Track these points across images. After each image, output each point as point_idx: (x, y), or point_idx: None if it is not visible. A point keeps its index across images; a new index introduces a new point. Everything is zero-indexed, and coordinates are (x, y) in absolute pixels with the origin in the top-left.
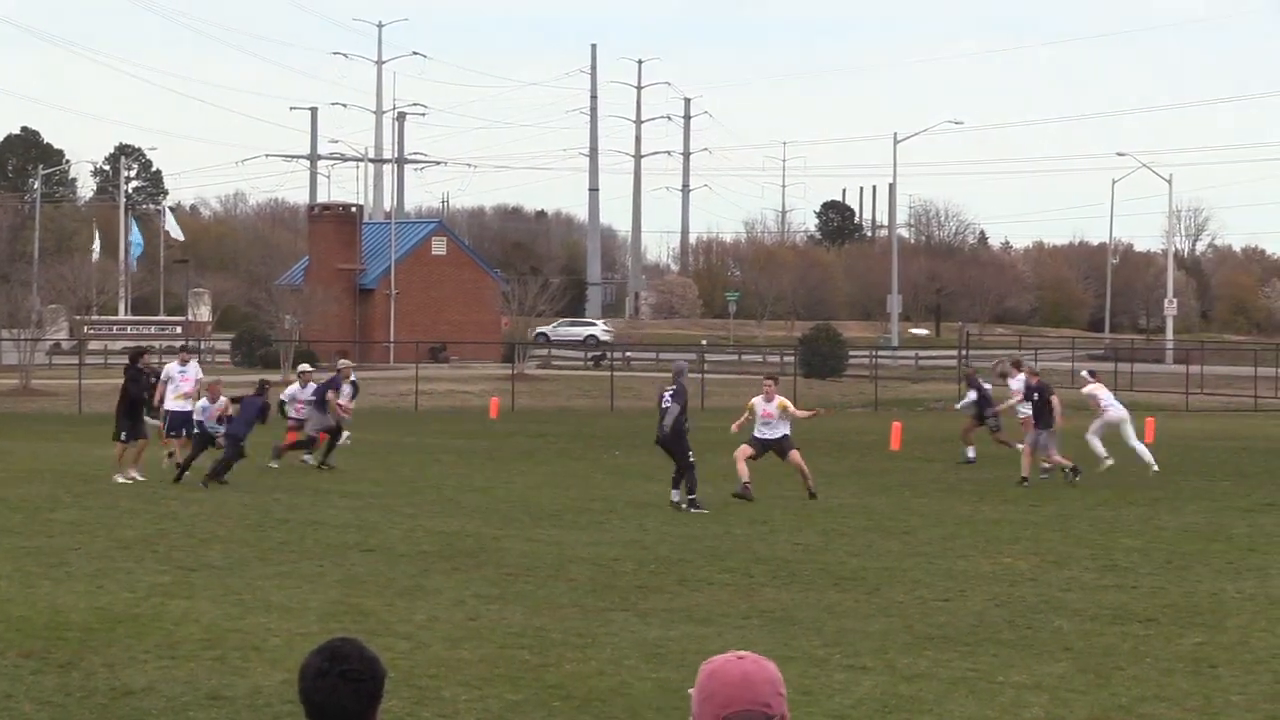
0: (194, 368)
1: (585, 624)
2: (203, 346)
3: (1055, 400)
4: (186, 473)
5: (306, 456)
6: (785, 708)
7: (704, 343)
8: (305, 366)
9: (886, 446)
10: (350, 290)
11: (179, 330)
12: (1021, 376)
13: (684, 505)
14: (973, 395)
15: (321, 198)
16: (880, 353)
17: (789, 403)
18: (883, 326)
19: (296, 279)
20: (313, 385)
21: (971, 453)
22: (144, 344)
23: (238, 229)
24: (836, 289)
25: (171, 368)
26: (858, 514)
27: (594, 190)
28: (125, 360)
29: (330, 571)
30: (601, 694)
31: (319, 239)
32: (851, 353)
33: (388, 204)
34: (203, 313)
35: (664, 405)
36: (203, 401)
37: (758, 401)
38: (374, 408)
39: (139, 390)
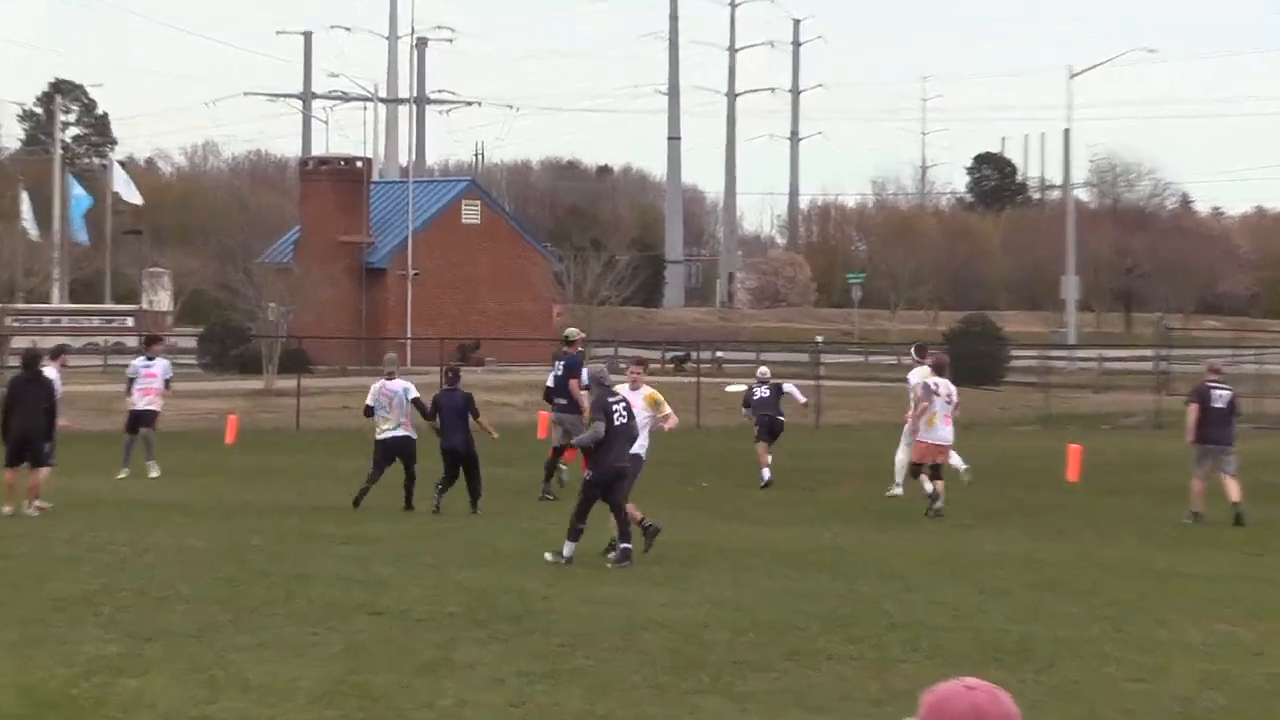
0: (163, 364)
1: (664, 710)
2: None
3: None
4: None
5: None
6: None
7: (819, 340)
8: (156, 334)
9: (1061, 476)
10: (354, 270)
11: (130, 323)
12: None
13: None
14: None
15: (317, 149)
16: (1052, 353)
17: (660, 396)
18: (1055, 318)
19: (284, 255)
20: (164, 362)
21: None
22: (66, 341)
23: (207, 190)
24: (994, 268)
25: (135, 364)
26: (1022, 566)
27: (674, 139)
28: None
29: (327, 640)
30: None
31: (314, 203)
32: (1014, 353)
33: (404, 157)
34: (161, 299)
35: (618, 420)
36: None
37: (621, 391)
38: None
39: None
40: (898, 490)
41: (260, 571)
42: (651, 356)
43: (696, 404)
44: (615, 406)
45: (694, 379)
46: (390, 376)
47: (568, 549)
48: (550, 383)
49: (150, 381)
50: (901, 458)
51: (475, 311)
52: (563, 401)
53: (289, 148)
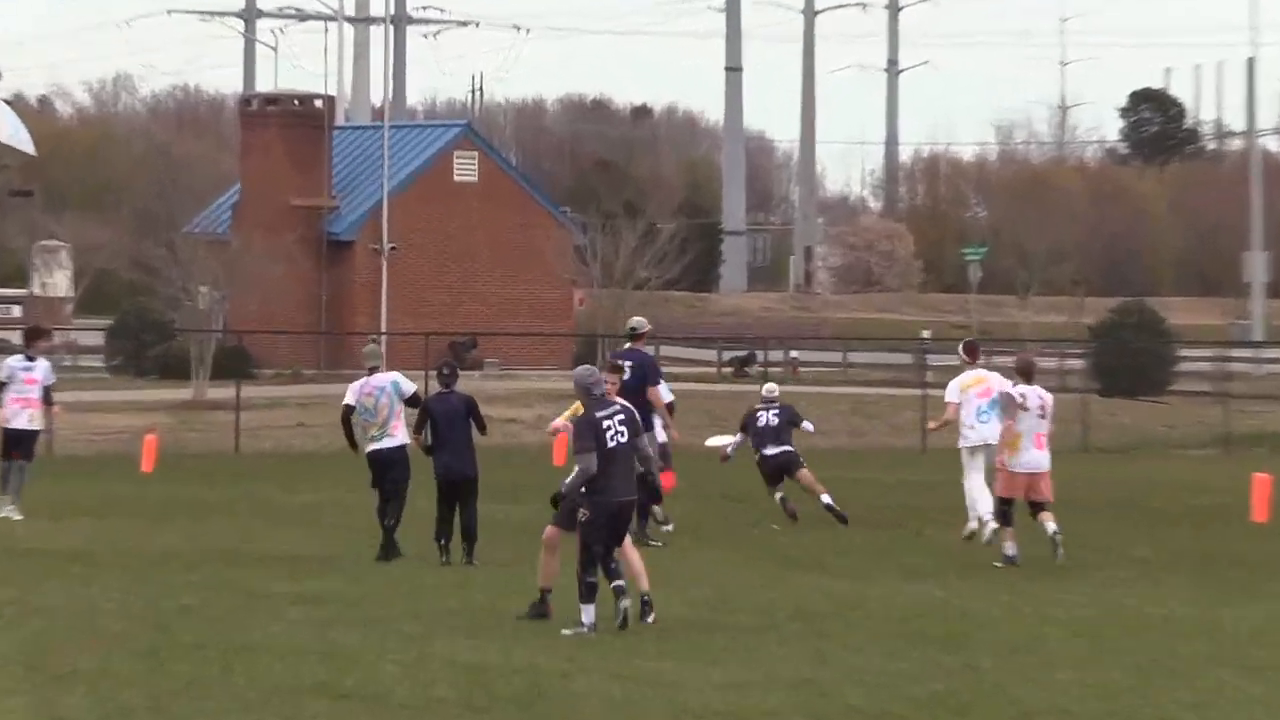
0: (44, 366)
1: None
2: (57, 340)
3: None
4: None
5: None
6: None
7: (925, 335)
8: (41, 326)
9: (1245, 513)
10: (312, 244)
11: (16, 312)
12: None
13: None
14: None
15: (264, 84)
16: (1233, 353)
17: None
18: (1236, 306)
19: (219, 224)
20: (45, 364)
21: None
22: None
23: (120, 138)
24: (1157, 240)
25: (11, 363)
26: (1197, 633)
27: (734, 70)
28: None
29: None
30: None
31: (259, 155)
32: (1183, 353)
33: (377, 95)
34: (58, 282)
35: (614, 441)
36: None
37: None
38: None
39: None
40: (974, 525)
41: (189, 642)
42: (705, 359)
43: None
44: (608, 423)
45: (757, 386)
46: (373, 371)
47: (587, 615)
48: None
49: (30, 390)
50: (976, 486)
51: (471, 298)
52: None
53: (226, 82)
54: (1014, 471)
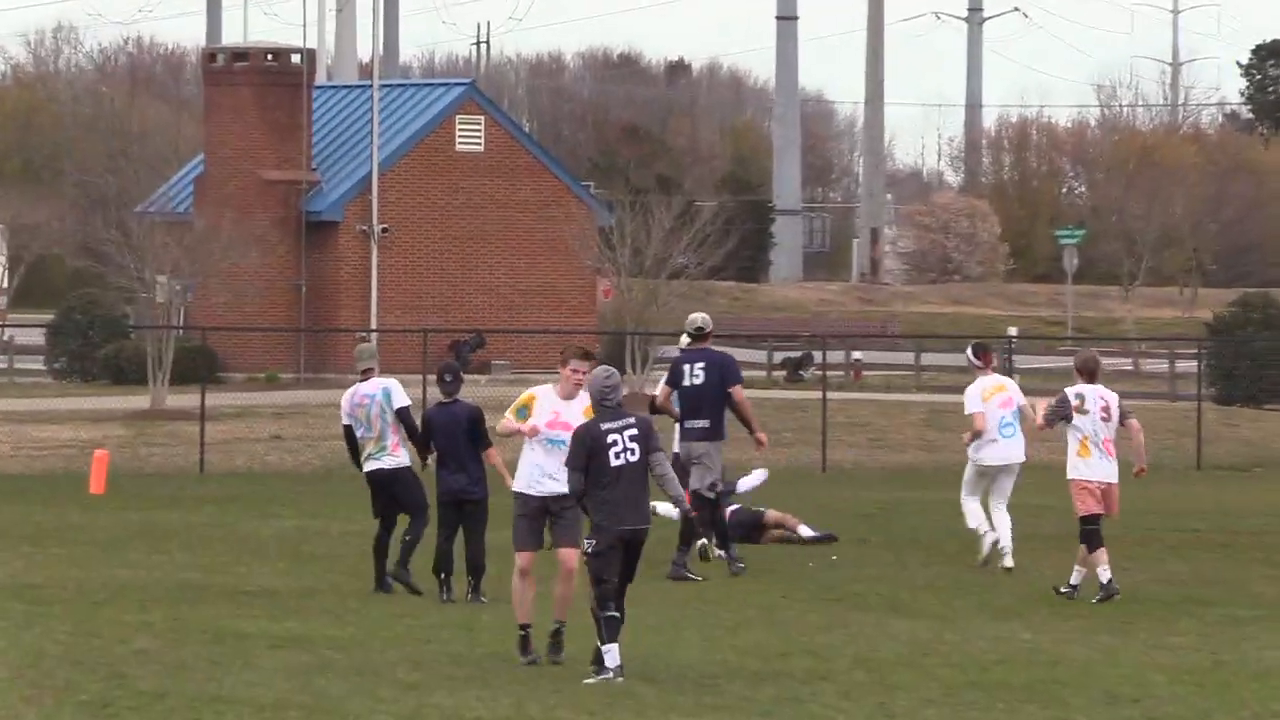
0: None
1: None
2: None
3: None
4: None
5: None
6: None
7: (1012, 332)
8: None
9: None
10: (289, 225)
11: None
12: None
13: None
14: None
15: (231, 37)
16: None
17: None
18: None
19: (180, 203)
20: None
21: None
22: None
23: (61, 100)
24: None
25: None
26: None
27: (787, 20)
28: None
29: None
30: None
31: (227, 120)
32: None
33: (364, 49)
34: None
35: (620, 459)
36: None
37: (554, 404)
38: (332, 465)
39: None
40: (991, 542)
41: (148, 692)
42: (754, 361)
43: (823, 433)
44: (615, 438)
45: (818, 393)
46: (366, 375)
47: (610, 657)
48: (663, 390)
49: None
50: (975, 509)
51: (476, 288)
52: (701, 424)
53: (187, 34)
54: (1085, 482)
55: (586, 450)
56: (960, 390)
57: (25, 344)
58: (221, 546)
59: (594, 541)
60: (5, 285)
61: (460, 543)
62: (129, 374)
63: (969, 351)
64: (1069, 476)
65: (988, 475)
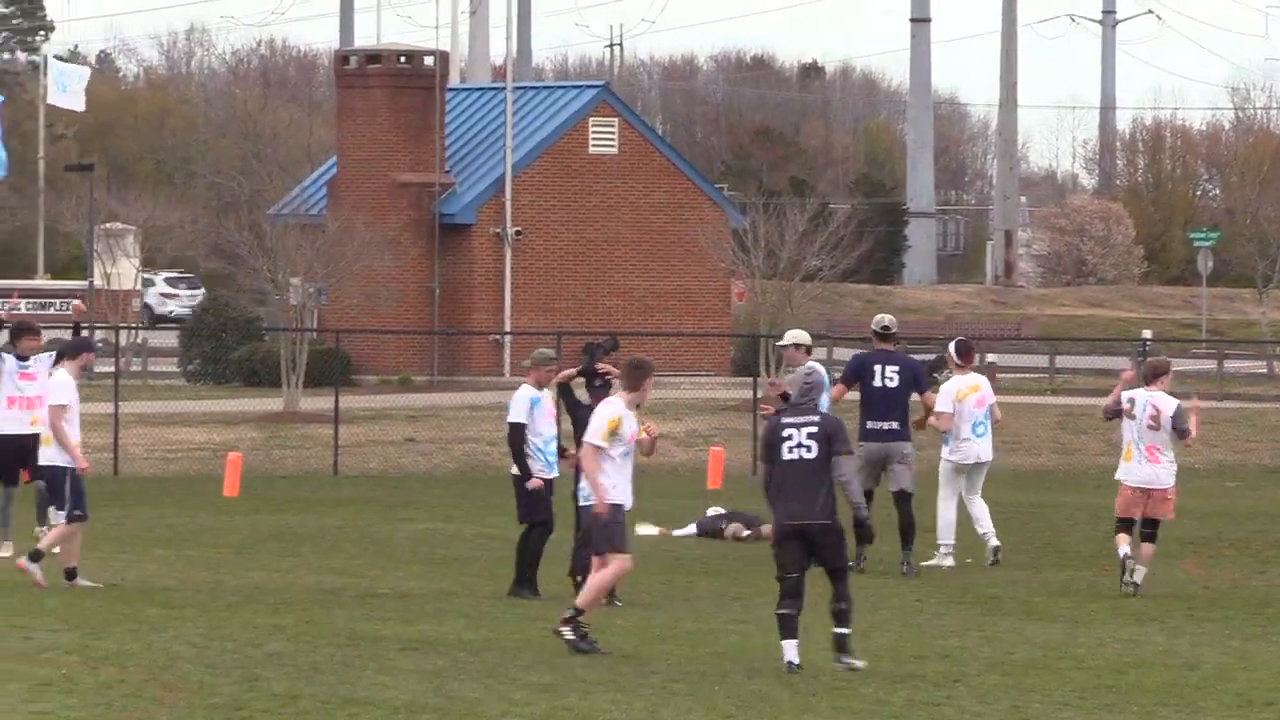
0: (43, 363)
1: None
2: (127, 340)
3: None
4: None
5: None
6: None
7: (1147, 335)
8: (22, 324)
9: None
10: (422, 228)
11: (77, 307)
12: None
13: (840, 663)
14: None
15: (365, 39)
16: None
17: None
18: None
19: (313, 205)
20: (45, 358)
21: None
22: None
23: (194, 103)
24: None
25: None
26: None
27: (921, 21)
28: None
29: None
30: None
31: (359, 123)
32: None
33: (498, 52)
34: (124, 271)
35: (794, 454)
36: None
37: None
38: (466, 468)
39: None
40: (945, 560)
41: (280, 694)
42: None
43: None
44: (790, 432)
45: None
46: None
47: (789, 651)
48: (838, 388)
49: (29, 388)
50: (948, 515)
51: (609, 291)
52: (893, 425)
53: (320, 37)
54: (1129, 486)
55: (767, 443)
56: (1096, 394)
57: (159, 346)
58: (354, 549)
59: (772, 532)
60: (139, 287)
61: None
62: (262, 376)
63: (951, 348)
64: (1119, 477)
65: (962, 472)
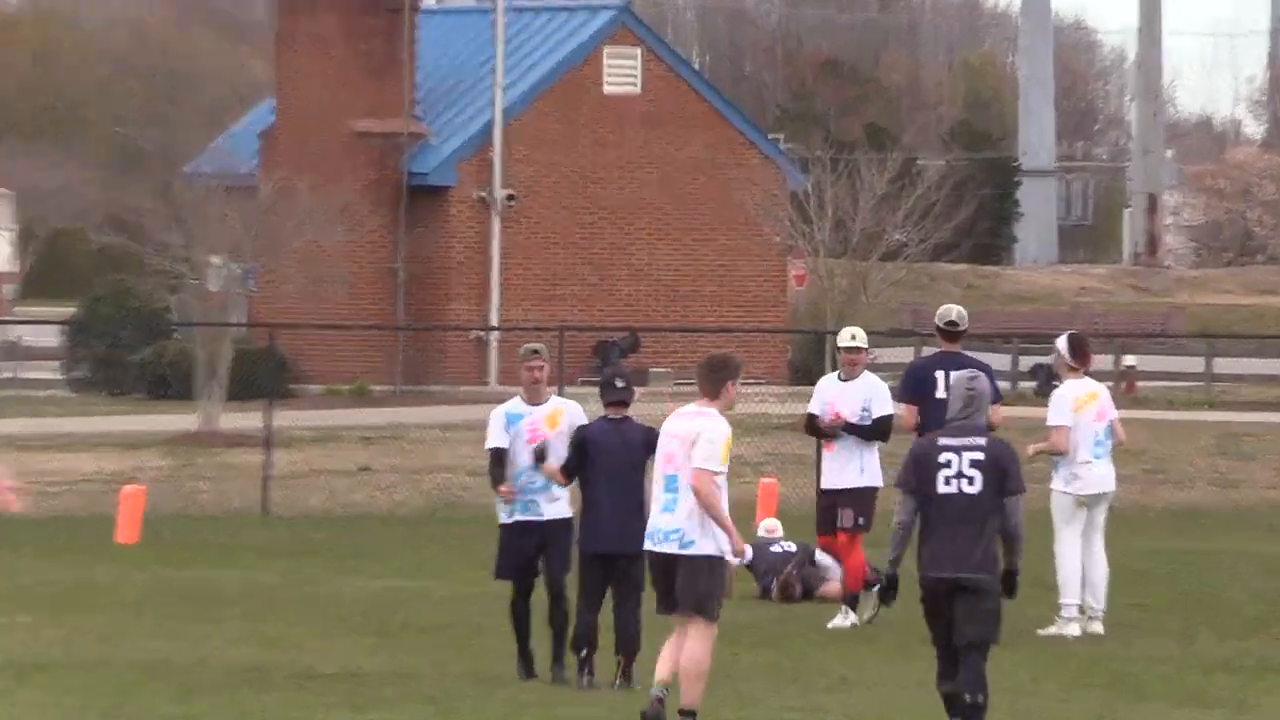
0: None
1: None
2: None
3: None
4: None
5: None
6: None
7: None
8: None
9: None
10: (385, 190)
11: None
12: None
13: None
14: None
15: None
16: None
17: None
18: None
19: (243, 163)
20: None
21: None
22: None
23: (88, 32)
24: None
25: None
26: None
27: None
28: None
29: None
30: None
31: (304, 55)
32: None
33: None
34: None
35: (951, 486)
36: None
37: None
38: (436, 505)
39: None
40: (1068, 627)
41: None
42: (996, 367)
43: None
44: (949, 456)
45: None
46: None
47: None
48: (908, 409)
49: None
50: (1073, 564)
51: (628, 274)
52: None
53: None
54: None
55: (916, 469)
56: (1266, 408)
57: (36, 346)
58: (290, 614)
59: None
60: (14, 269)
61: (607, 610)
62: (172, 386)
63: (1062, 344)
64: None
65: (1084, 505)
